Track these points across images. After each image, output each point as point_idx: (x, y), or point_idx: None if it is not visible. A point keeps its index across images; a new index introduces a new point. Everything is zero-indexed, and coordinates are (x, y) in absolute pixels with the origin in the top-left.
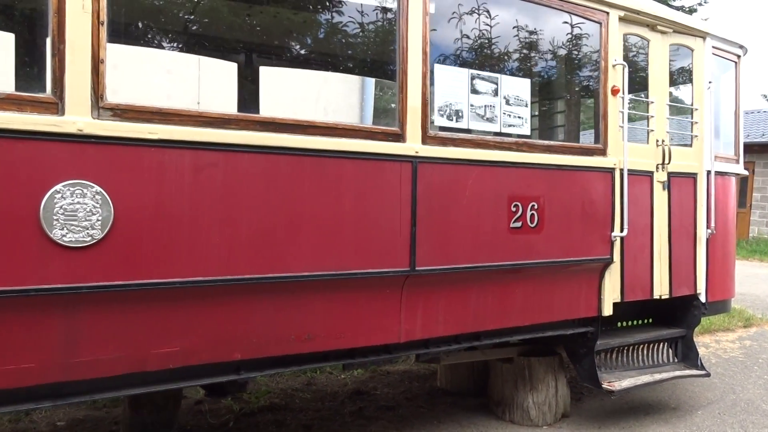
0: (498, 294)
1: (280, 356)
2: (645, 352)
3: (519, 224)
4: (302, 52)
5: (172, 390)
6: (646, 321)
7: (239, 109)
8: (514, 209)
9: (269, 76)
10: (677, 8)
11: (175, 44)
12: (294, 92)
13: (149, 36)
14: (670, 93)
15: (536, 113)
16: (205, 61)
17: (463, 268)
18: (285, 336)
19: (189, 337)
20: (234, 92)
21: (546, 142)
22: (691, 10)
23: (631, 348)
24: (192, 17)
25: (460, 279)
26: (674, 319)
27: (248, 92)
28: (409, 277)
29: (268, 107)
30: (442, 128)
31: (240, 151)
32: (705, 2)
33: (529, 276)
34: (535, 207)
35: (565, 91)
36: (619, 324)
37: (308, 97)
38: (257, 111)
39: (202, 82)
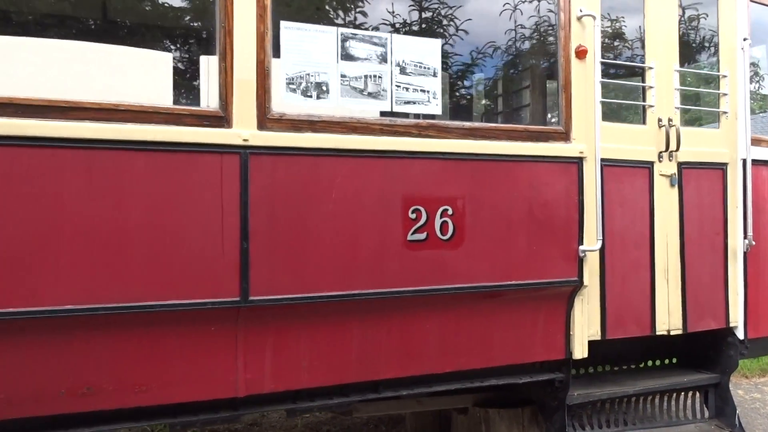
0: (398, 331)
1: (46, 416)
2: (657, 404)
3: (422, 236)
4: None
5: None
6: (669, 362)
7: None
8: (413, 216)
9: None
10: None
11: None
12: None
13: None
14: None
15: (499, 92)
16: None
17: (330, 297)
18: (50, 391)
19: None
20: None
21: (468, 124)
22: None
23: (632, 400)
24: None
25: (321, 311)
26: (706, 360)
27: None
28: (243, 311)
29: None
30: (293, 108)
31: None
32: None
33: (447, 306)
34: (450, 213)
35: (516, 58)
36: (642, 365)
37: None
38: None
39: None
